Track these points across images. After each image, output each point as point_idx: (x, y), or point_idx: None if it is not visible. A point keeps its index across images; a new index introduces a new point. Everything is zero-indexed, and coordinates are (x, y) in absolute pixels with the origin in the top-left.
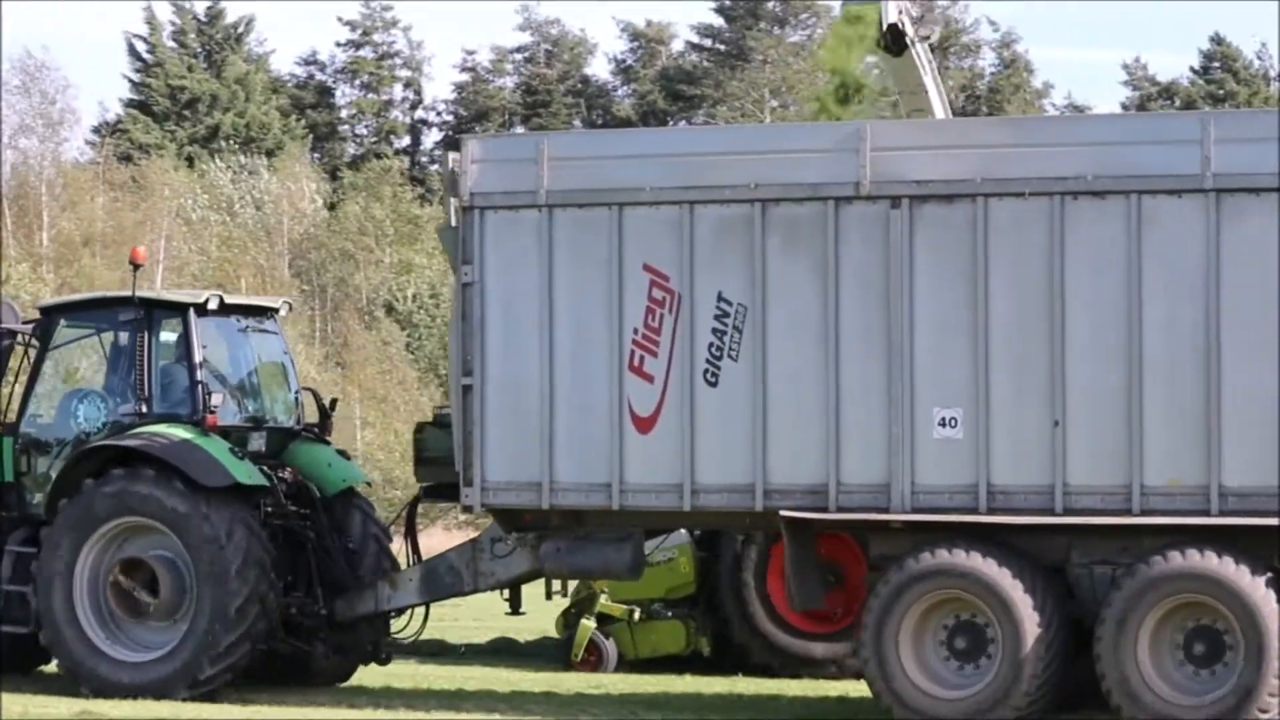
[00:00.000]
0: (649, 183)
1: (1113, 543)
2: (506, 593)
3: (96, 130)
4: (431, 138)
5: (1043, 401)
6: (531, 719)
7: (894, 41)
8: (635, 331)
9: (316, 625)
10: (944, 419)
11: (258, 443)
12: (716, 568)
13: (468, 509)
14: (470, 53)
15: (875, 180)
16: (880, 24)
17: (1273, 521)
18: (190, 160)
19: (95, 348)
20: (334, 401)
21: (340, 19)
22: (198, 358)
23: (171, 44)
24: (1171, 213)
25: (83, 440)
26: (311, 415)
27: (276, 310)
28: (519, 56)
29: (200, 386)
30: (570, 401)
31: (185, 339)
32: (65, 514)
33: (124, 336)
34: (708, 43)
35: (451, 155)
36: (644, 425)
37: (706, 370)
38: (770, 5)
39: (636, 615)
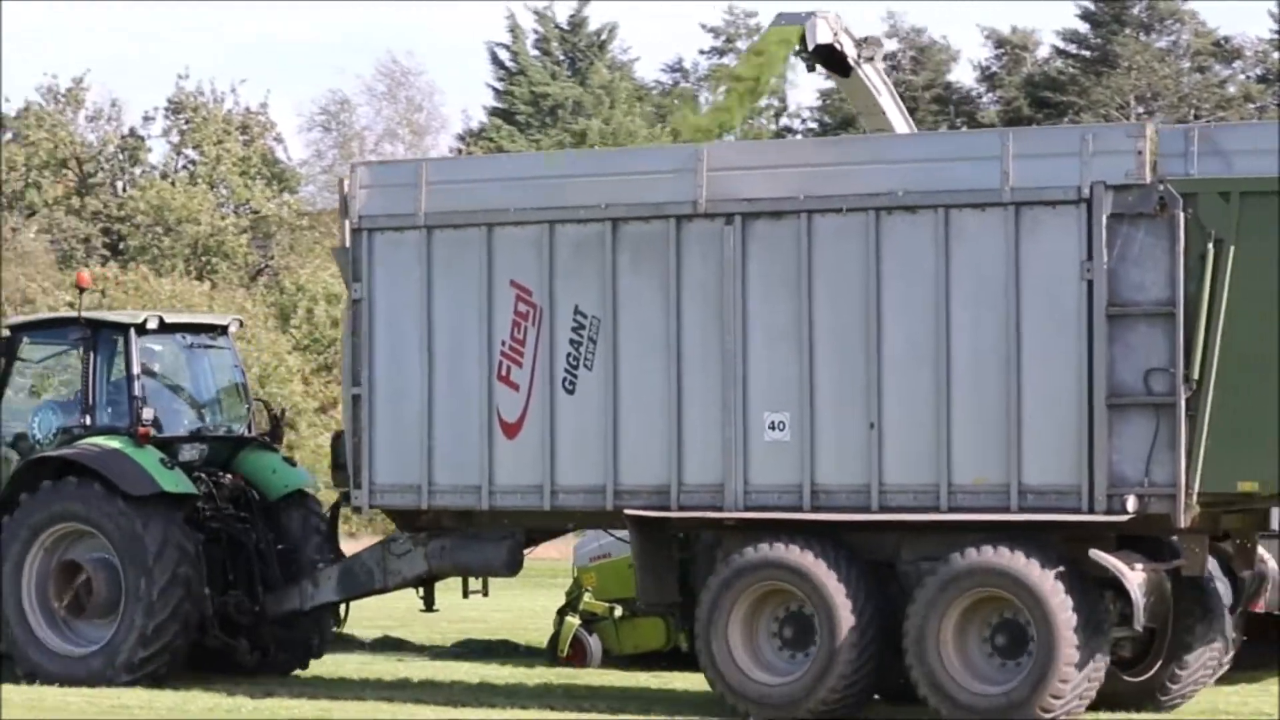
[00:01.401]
0: (514, 204)
1: (933, 539)
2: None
3: (461, 138)
4: None
5: (861, 405)
6: (526, 713)
7: (830, 62)
8: (503, 343)
9: (249, 622)
10: (773, 423)
11: (191, 453)
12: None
13: (357, 509)
14: None
15: (711, 199)
16: (805, 44)
17: (1067, 518)
18: None
19: (70, 363)
20: (283, 411)
21: (703, 25)
22: (136, 372)
23: (534, 51)
24: (975, 226)
25: (33, 450)
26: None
27: (226, 328)
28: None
29: (135, 401)
30: (447, 409)
31: (125, 356)
32: (13, 520)
33: (74, 354)
34: (1073, 48)
35: (344, 180)
36: (511, 431)
37: (565, 379)
38: (1136, 11)
39: (619, 612)
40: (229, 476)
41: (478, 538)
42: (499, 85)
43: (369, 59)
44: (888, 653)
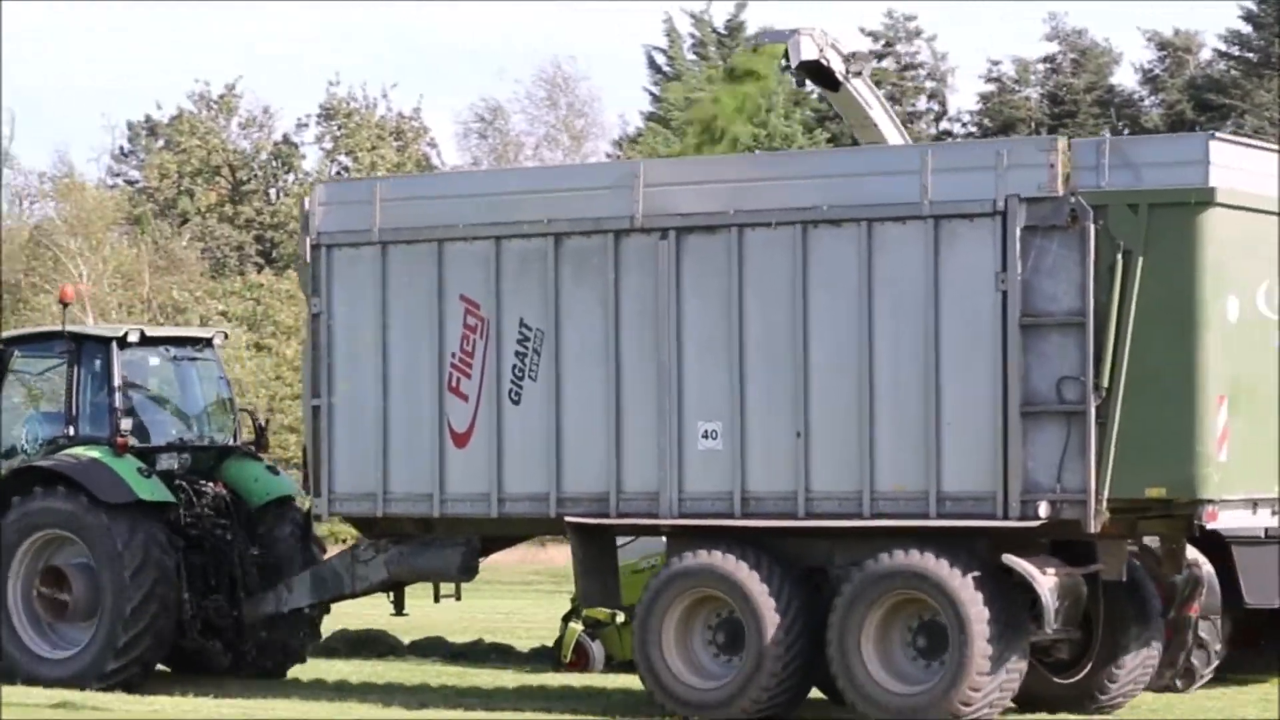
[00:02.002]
0: (463, 220)
1: (857, 545)
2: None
3: (617, 143)
4: None
5: (789, 414)
6: (523, 715)
7: (819, 77)
8: (453, 355)
9: (229, 626)
10: (706, 431)
11: (170, 462)
12: None
13: (317, 517)
14: (995, 63)
15: (647, 214)
16: (788, 61)
17: (983, 524)
18: None
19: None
20: (267, 421)
21: (862, 30)
22: (116, 384)
23: (691, 56)
24: (896, 239)
25: (20, 460)
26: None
27: (210, 340)
28: (1043, 66)
29: (114, 412)
30: (401, 419)
31: (106, 369)
32: (2, 529)
33: (51, 363)
34: (1235, 50)
35: (305, 199)
36: (460, 440)
37: (511, 390)
38: None
39: (621, 619)
40: (212, 485)
41: (433, 544)
42: (655, 90)
43: (527, 65)
44: (819, 655)
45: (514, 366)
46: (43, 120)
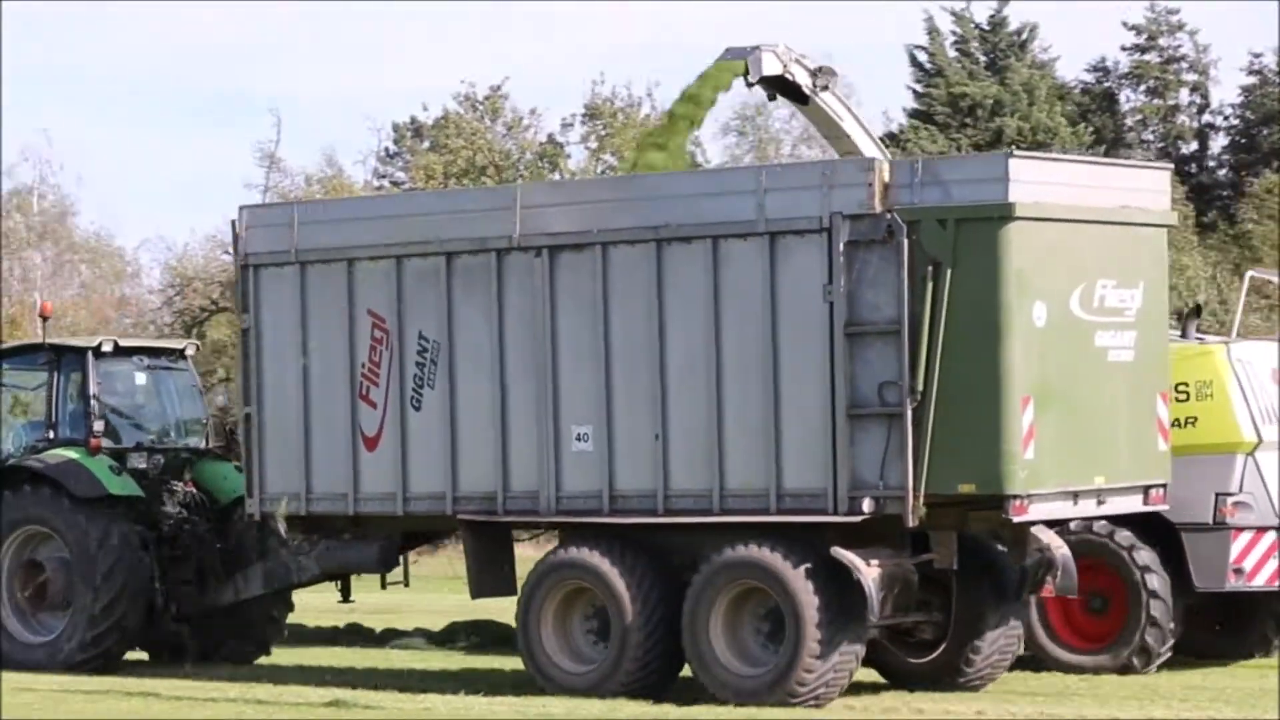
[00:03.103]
0: (369, 240)
1: (708, 539)
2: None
3: (883, 139)
4: (1218, 142)
5: (649, 417)
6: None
7: (788, 91)
8: (363, 366)
9: (197, 613)
10: (579, 434)
11: (140, 461)
12: None
13: (250, 516)
14: (1257, 55)
15: (524, 234)
16: (750, 77)
17: (815, 519)
18: None
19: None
20: (235, 427)
21: (1125, 24)
22: (92, 391)
23: (953, 53)
24: (738, 254)
25: (6, 462)
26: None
27: (183, 351)
28: None
29: (89, 416)
30: (320, 425)
31: (82, 377)
32: None
33: (41, 375)
34: None
35: (234, 221)
36: (370, 444)
37: (413, 397)
38: None
39: None
40: (182, 484)
41: (356, 539)
42: (918, 87)
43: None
44: (679, 639)
45: (415, 375)
46: (310, 123)
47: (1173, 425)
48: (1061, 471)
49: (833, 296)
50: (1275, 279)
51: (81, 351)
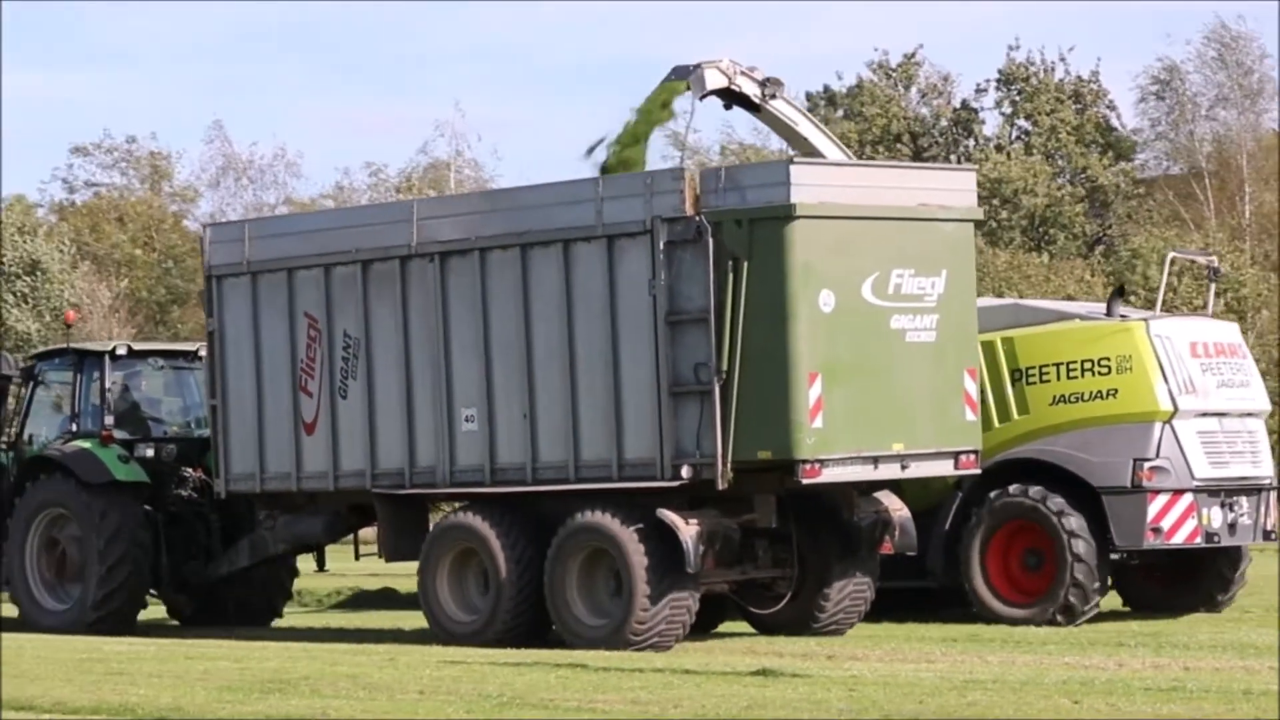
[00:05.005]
0: (303, 251)
1: (566, 505)
2: None
3: None
4: None
5: (519, 399)
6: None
7: (740, 103)
8: (302, 361)
9: (201, 583)
10: (467, 416)
11: (146, 450)
12: None
13: (217, 494)
14: None
15: (420, 243)
16: (694, 93)
17: (645, 485)
18: None
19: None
20: None
21: None
22: (107, 388)
23: None
24: (584, 255)
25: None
26: None
27: (196, 352)
28: None
29: (104, 410)
30: (270, 414)
31: (100, 377)
32: (19, 506)
33: (68, 376)
34: None
35: (202, 238)
36: (309, 429)
37: (340, 387)
38: None
39: None
40: (192, 470)
41: (307, 514)
42: None
43: (1195, 25)
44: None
45: (341, 368)
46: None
47: (1094, 396)
48: (853, 439)
49: (656, 290)
50: (1200, 259)
51: (99, 355)
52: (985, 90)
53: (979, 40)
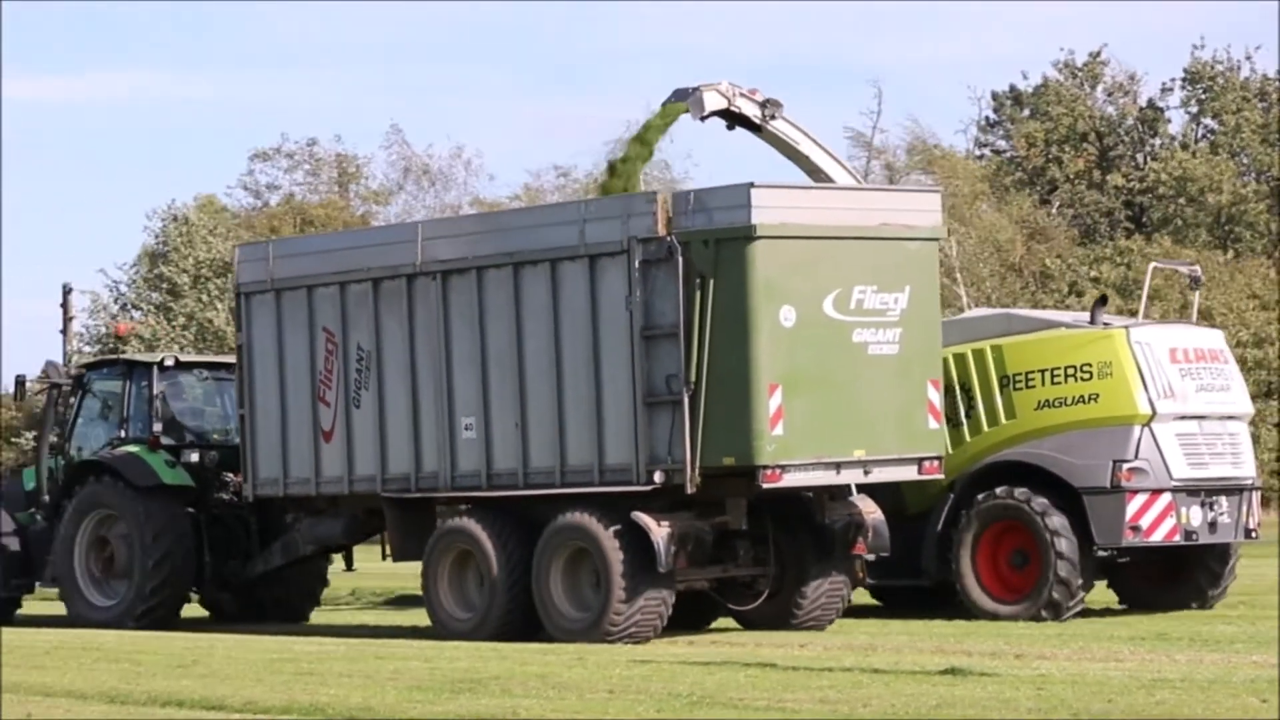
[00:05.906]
0: (322, 270)
1: (554, 507)
2: None
3: None
4: None
5: (512, 409)
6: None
7: (741, 123)
8: (320, 373)
9: (241, 582)
10: (466, 424)
11: (192, 455)
12: None
13: (246, 498)
14: None
15: (424, 262)
16: (695, 113)
17: (623, 489)
18: None
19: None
20: None
21: None
22: (154, 395)
23: None
24: (570, 274)
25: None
26: None
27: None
28: None
29: (151, 418)
30: (292, 422)
31: (149, 386)
32: (71, 507)
33: (119, 385)
34: None
35: (233, 257)
36: (327, 437)
37: (354, 397)
38: None
39: None
40: (234, 476)
41: (328, 517)
42: None
43: None
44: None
45: (355, 380)
46: (908, 94)
47: (1077, 401)
48: (814, 446)
49: (632, 306)
50: (1182, 269)
51: (148, 365)
52: (1171, 89)
53: (1164, 39)
